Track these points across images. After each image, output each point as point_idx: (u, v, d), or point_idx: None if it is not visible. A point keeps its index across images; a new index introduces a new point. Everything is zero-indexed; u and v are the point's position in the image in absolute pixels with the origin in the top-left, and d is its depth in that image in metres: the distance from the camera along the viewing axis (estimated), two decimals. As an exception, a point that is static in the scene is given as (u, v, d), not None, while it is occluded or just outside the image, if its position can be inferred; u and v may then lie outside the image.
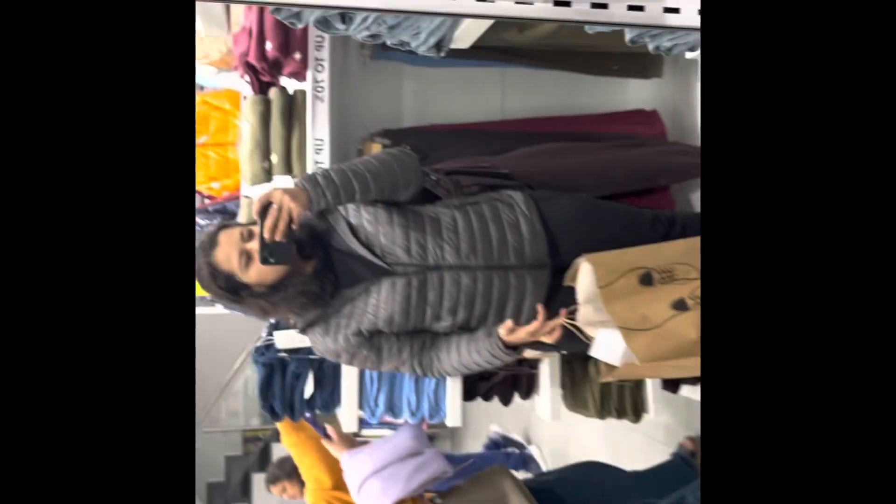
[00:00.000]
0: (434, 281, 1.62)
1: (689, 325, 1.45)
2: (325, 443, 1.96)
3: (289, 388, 2.26)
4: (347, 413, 2.31)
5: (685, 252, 1.58)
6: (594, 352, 1.52)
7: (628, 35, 1.37)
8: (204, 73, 3.37)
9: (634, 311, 1.47)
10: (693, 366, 1.49)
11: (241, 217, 2.33)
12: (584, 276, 1.54)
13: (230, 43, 2.39)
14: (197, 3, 1.32)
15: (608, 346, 1.49)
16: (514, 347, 1.62)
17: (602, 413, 2.49)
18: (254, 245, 1.50)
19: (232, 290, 1.57)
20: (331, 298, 1.62)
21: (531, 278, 1.66)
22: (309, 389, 2.24)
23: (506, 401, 2.57)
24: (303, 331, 1.69)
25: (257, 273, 1.54)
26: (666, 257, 1.58)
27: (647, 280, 1.53)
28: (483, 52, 2.37)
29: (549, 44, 2.31)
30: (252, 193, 2.40)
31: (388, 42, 1.41)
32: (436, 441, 5.63)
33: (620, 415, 2.51)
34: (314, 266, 1.61)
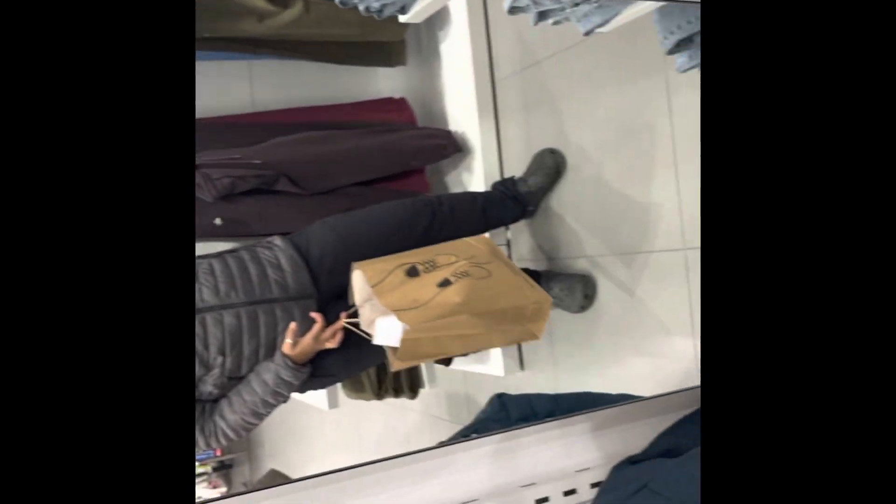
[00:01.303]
0: (196, 326, 1.57)
1: (453, 294, 1.57)
2: None
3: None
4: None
5: (445, 246, 1.74)
6: (377, 340, 1.60)
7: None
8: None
9: (406, 298, 1.58)
10: (463, 324, 1.58)
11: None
12: (357, 280, 1.63)
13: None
14: None
15: (386, 331, 1.58)
16: (303, 365, 1.63)
17: (380, 394, 2.53)
18: None
19: None
20: None
21: (299, 309, 1.66)
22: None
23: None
24: None
25: None
26: (427, 253, 1.71)
27: (413, 272, 1.64)
28: (224, 43, 2.33)
29: (291, 34, 2.31)
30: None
31: None
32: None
33: (398, 393, 2.57)
34: None
